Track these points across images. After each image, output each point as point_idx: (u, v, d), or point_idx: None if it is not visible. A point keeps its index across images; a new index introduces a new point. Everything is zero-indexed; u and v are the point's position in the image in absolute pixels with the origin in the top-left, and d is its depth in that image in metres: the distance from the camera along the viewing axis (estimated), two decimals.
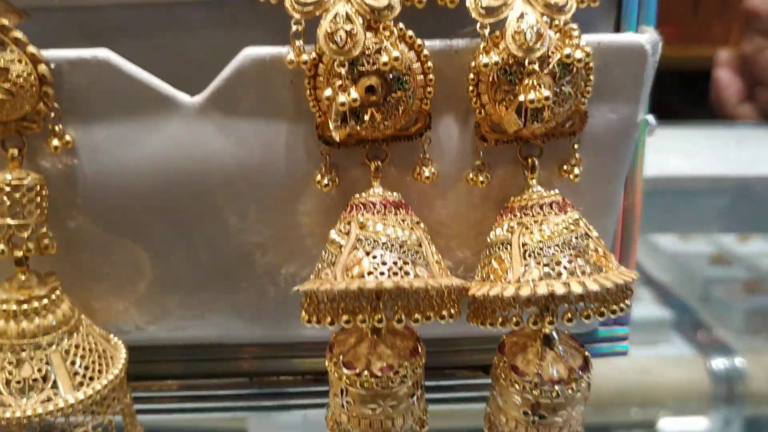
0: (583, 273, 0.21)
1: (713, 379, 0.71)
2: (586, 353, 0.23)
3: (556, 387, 0.22)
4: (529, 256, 0.21)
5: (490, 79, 0.22)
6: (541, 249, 0.21)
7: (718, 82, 0.68)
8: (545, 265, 0.21)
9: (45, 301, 0.23)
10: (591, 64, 0.22)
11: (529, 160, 0.23)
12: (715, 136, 0.60)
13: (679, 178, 0.65)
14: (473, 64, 0.22)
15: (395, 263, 0.21)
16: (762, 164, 0.53)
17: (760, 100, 0.65)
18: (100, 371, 0.24)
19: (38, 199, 0.22)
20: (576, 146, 0.23)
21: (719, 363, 0.72)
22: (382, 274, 0.20)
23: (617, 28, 0.25)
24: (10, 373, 0.22)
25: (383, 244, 0.21)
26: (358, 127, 0.22)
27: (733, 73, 0.68)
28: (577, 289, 0.20)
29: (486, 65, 0.21)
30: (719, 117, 0.68)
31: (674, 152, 0.66)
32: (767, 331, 0.80)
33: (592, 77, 0.22)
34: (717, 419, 0.72)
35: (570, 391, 0.22)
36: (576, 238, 0.21)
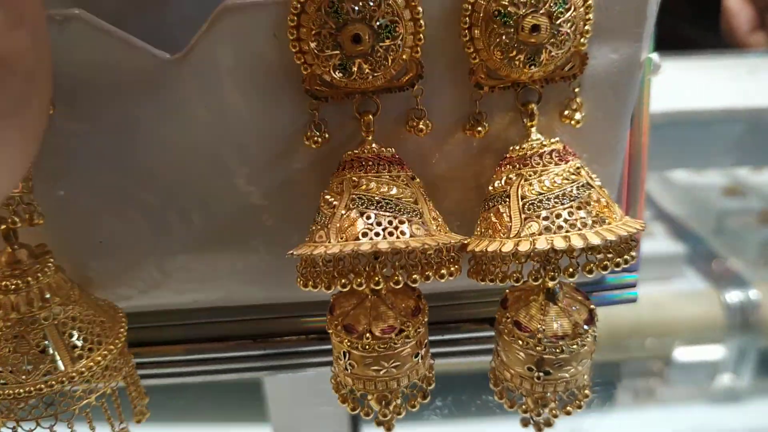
0: (585, 225, 0.20)
1: (728, 312, 0.71)
2: (591, 306, 0.23)
3: (560, 343, 0.22)
4: (529, 209, 0.20)
5: (484, 20, 0.20)
6: (541, 201, 0.20)
7: (728, 10, 0.65)
8: (545, 218, 0.20)
9: (38, 274, 0.22)
10: (590, 2, 0.21)
11: (528, 107, 0.22)
12: (726, 66, 0.58)
13: (690, 111, 0.64)
14: (465, 6, 0.20)
15: (390, 223, 0.20)
16: None
17: None
18: (99, 342, 0.23)
19: None
20: (577, 90, 0.22)
21: (733, 296, 0.71)
22: (377, 234, 0.20)
23: None
24: (8, 349, 0.22)
25: (377, 202, 0.20)
26: (345, 80, 0.21)
27: (744, 1, 0.65)
28: (578, 242, 0.19)
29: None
30: (731, 46, 0.66)
31: (685, 83, 0.64)
32: None
33: (591, 15, 0.21)
34: (732, 351, 0.73)
35: (575, 346, 0.22)
36: (577, 188, 0.20)
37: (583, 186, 0.21)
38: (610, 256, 0.20)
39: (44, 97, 0.16)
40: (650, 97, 0.25)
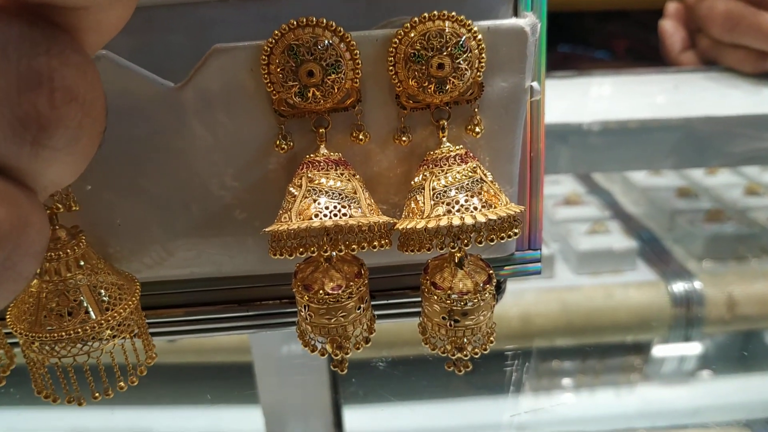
0: (476, 209, 0.27)
1: (673, 301, 0.78)
2: (491, 271, 0.30)
3: (465, 297, 0.29)
4: (437, 197, 0.28)
5: (403, 60, 0.28)
6: (445, 192, 0.28)
7: (663, 31, 0.73)
8: (447, 203, 0.28)
9: (74, 248, 0.30)
10: (483, 45, 0.28)
11: (440, 122, 0.30)
12: (661, 81, 0.66)
13: (638, 120, 0.71)
14: (390, 49, 0.28)
15: (335, 207, 0.27)
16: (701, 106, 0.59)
17: (700, 47, 0.71)
18: (120, 298, 0.31)
19: None
20: (476, 110, 0.30)
21: (679, 286, 0.79)
22: (324, 216, 0.27)
23: (515, 11, 0.31)
24: (54, 303, 0.29)
25: (326, 192, 0.28)
26: (304, 103, 0.28)
27: (678, 23, 0.73)
28: (469, 220, 0.27)
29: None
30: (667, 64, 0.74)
31: (633, 97, 0.71)
32: (724, 256, 0.87)
33: (484, 55, 0.28)
34: (677, 338, 0.80)
35: (476, 300, 0.29)
36: (472, 182, 0.28)
37: (477, 180, 0.28)
38: (495, 231, 0.28)
39: (97, 128, 0.18)
40: (543, 112, 0.32)
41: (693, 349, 0.80)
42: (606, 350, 0.80)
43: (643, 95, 0.64)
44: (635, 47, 1.53)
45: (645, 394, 0.77)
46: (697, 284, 0.79)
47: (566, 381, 0.77)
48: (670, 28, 0.73)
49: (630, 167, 0.83)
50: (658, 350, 0.81)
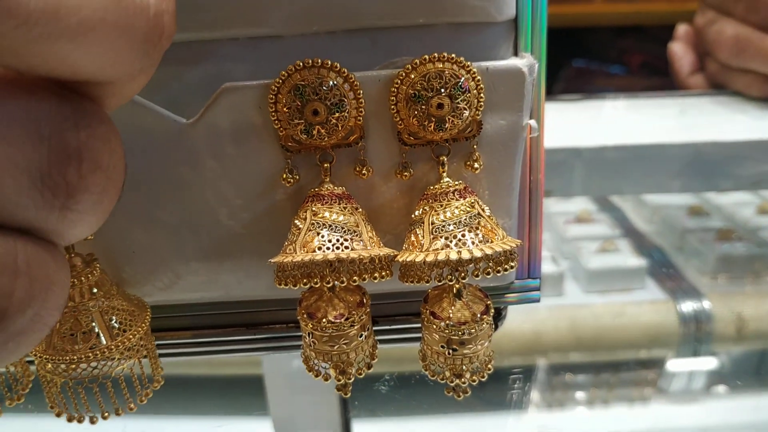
0: (473, 243, 0.28)
1: (682, 320, 0.78)
2: (488, 302, 0.31)
3: (462, 327, 0.30)
4: (435, 231, 0.29)
5: (405, 99, 0.29)
6: (443, 226, 0.29)
7: (672, 54, 0.74)
8: (445, 237, 0.29)
9: (88, 275, 0.31)
10: (481, 86, 0.29)
11: (441, 158, 0.31)
12: (671, 105, 0.67)
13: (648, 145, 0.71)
14: (392, 89, 0.29)
15: (338, 240, 0.29)
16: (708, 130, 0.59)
17: (708, 70, 0.71)
18: (130, 325, 0.32)
19: None
20: (475, 147, 0.31)
21: (688, 306, 0.79)
22: (327, 249, 0.28)
23: (516, 50, 0.32)
24: (67, 327, 0.31)
25: (329, 226, 0.29)
26: (309, 140, 0.29)
27: (687, 46, 0.74)
28: (465, 255, 0.28)
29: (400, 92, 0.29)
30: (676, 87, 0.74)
31: (642, 121, 0.72)
32: (734, 275, 0.87)
33: (483, 95, 0.29)
34: (686, 357, 0.80)
35: (473, 330, 0.30)
36: (470, 217, 0.29)
37: (474, 216, 0.29)
38: (492, 264, 0.29)
39: (118, 187, 0.20)
40: (542, 147, 0.33)
41: (701, 367, 0.80)
42: (614, 368, 0.81)
43: (651, 119, 0.64)
44: (650, 62, 1.53)
45: (653, 411, 0.77)
46: (706, 303, 0.79)
47: (574, 398, 0.77)
48: (679, 51, 0.73)
49: (637, 190, 0.84)
50: (666, 369, 0.81)
